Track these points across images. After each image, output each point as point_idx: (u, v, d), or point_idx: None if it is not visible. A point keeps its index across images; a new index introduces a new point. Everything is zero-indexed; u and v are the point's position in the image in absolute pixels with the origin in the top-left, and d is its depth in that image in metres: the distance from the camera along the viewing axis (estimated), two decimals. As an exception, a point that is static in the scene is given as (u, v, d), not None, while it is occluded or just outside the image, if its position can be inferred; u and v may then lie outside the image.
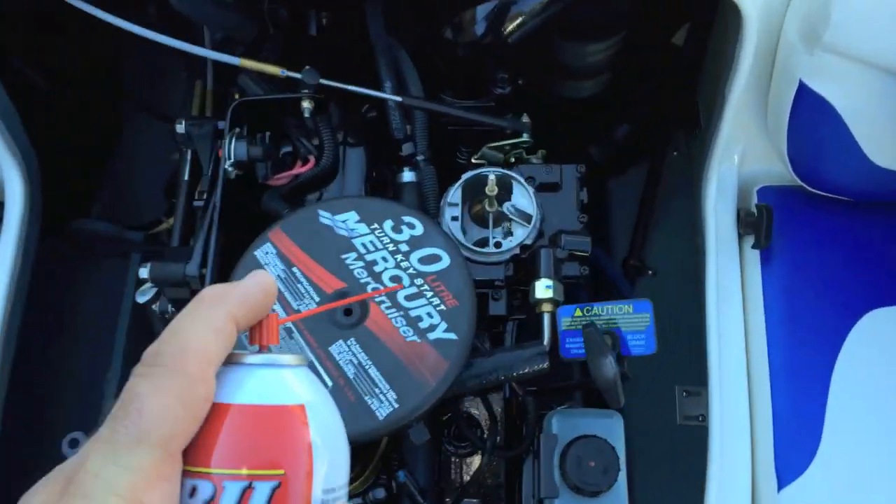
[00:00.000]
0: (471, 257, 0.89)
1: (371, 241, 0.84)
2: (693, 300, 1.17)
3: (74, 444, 0.87)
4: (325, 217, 0.86)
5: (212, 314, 0.35)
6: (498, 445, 0.98)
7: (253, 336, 0.38)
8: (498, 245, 0.90)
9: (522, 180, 0.91)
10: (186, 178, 1.00)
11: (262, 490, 0.34)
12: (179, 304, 0.93)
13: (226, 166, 0.90)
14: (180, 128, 0.98)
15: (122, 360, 1.31)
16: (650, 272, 1.48)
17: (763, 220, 1.05)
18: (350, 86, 0.93)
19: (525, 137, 0.99)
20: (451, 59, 1.02)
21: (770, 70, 0.94)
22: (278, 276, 0.84)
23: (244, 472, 0.34)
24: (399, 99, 0.95)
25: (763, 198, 1.11)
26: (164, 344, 0.34)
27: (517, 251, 0.89)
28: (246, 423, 0.35)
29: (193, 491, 0.34)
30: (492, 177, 0.86)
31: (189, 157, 1.01)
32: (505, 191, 0.93)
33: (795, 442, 1.01)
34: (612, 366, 0.73)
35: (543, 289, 0.87)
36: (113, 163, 1.52)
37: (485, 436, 0.98)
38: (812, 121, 0.94)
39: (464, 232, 0.93)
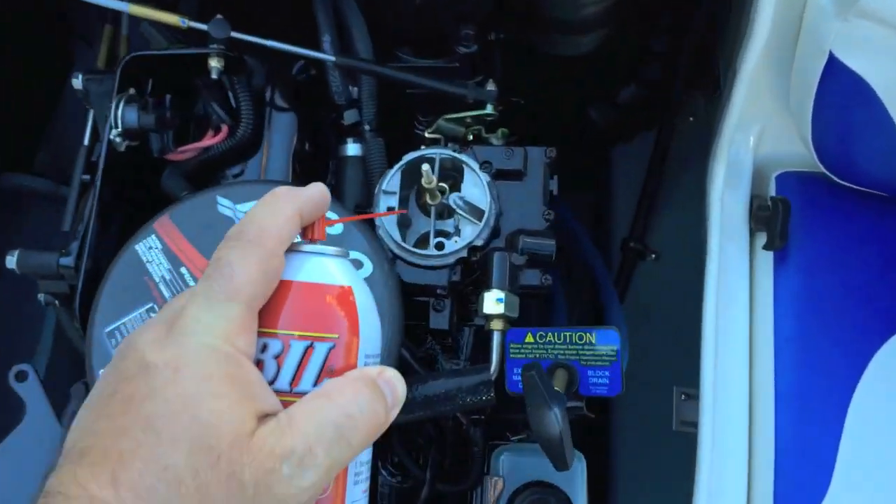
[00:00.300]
0: (407, 259, 0.73)
1: None
2: (700, 289, 1.00)
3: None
4: (224, 205, 0.70)
5: (285, 206, 0.43)
6: (446, 469, 0.84)
7: (306, 232, 0.45)
8: (440, 246, 0.73)
9: (476, 166, 0.74)
10: (86, 142, 0.84)
11: (320, 349, 0.42)
12: (60, 299, 0.78)
13: (111, 136, 0.73)
14: (76, 82, 0.81)
15: (52, 339, 1.18)
16: (652, 255, 1.30)
17: (778, 217, 0.87)
18: (271, 41, 0.75)
19: (489, 109, 0.81)
20: (407, 8, 0.83)
21: (795, 38, 0.75)
22: (163, 277, 0.68)
23: (307, 333, 0.42)
24: (332, 58, 0.77)
25: (782, 186, 0.93)
26: (246, 225, 0.42)
27: (464, 253, 0.73)
28: (307, 296, 0.43)
29: (264, 347, 0.42)
30: (426, 167, 0.69)
31: (92, 116, 0.85)
32: (459, 175, 0.76)
33: (800, 483, 0.85)
34: (556, 422, 0.57)
35: (493, 302, 0.70)
36: (61, 112, 1.36)
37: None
38: (842, 100, 0.76)
39: (408, 225, 0.76)
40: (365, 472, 0.46)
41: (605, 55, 1.13)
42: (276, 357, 0.42)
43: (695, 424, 1.18)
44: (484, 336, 0.75)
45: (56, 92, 1.34)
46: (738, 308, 0.91)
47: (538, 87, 1.13)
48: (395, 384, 0.43)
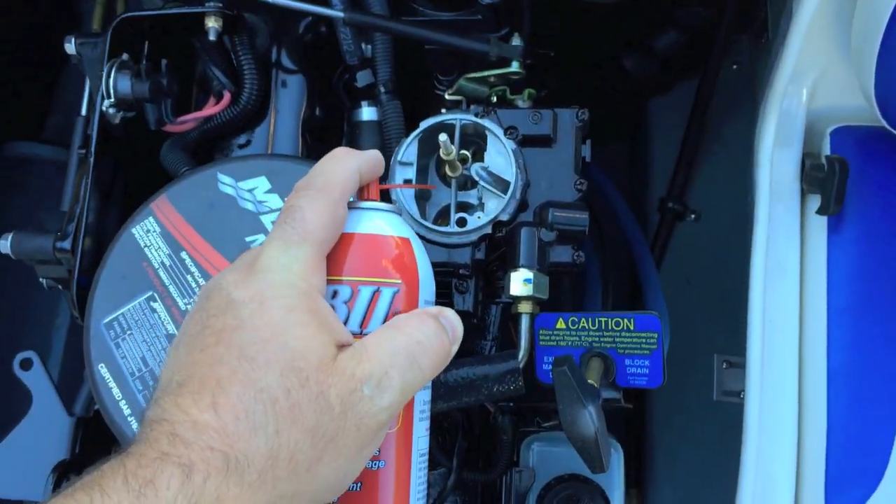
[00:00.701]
0: (426, 236, 0.67)
1: None
2: (744, 253, 0.93)
3: None
4: (225, 183, 0.64)
5: (348, 162, 0.47)
6: (470, 449, 0.79)
7: (361, 193, 0.49)
8: (462, 223, 0.67)
9: (500, 132, 0.67)
10: (83, 113, 0.78)
11: (386, 293, 0.46)
12: (62, 284, 0.73)
13: (104, 107, 0.68)
14: (69, 47, 0.76)
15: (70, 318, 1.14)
16: (692, 216, 1.22)
17: (834, 178, 0.79)
18: (272, -3, 0.69)
19: (515, 67, 0.74)
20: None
21: (860, -22, 0.67)
22: (162, 262, 0.63)
23: (373, 279, 0.46)
24: (340, 15, 0.70)
25: (838, 143, 0.85)
26: (313, 177, 0.46)
27: (489, 230, 0.66)
28: (370, 246, 0.47)
29: (335, 294, 0.46)
30: (443, 137, 0.62)
31: (88, 85, 0.79)
32: (483, 141, 0.70)
33: (853, 463, 0.79)
34: (591, 421, 0.51)
35: (521, 283, 0.64)
36: (71, 75, 1.31)
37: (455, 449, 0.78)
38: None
39: (427, 197, 0.70)
40: (427, 410, 0.50)
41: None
42: (346, 302, 0.46)
43: (737, 394, 1.12)
44: (512, 314, 0.70)
45: (65, 54, 1.29)
46: (787, 276, 0.84)
47: (566, 36, 1.05)
48: (454, 321, 0.47)
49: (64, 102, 1.29)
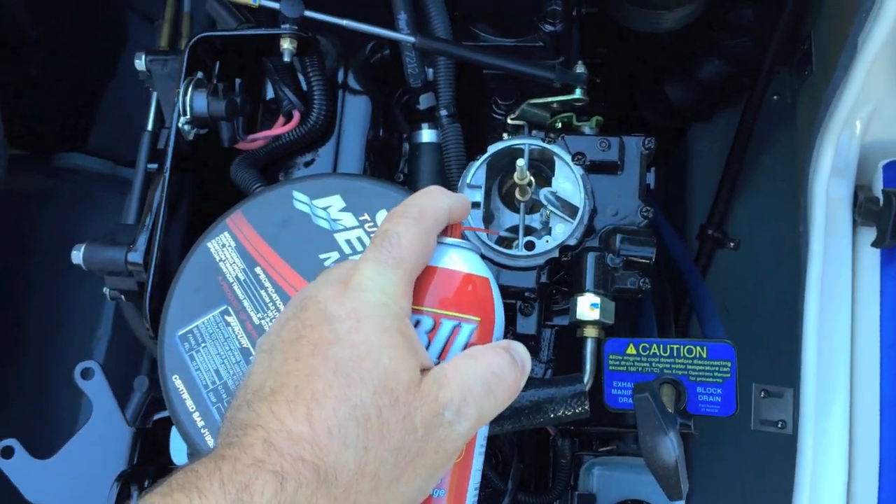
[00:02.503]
0: (494, 259, 0.67)
1: (359, 238, 0.64)
2: (783, 282, 0.94)
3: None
4: (300, 201, 0.65)
5: (442, 198, 0.50)
6: (522, 477, 0.79)
7: (445, 231, 0.50)
8: (530, 246, 0.67)
9: (568, 158, 0.68)
10: (150, 128, 0.80)
11: (465, 328, 0.48)
12: (127, 295, 0.74)
13: (179, 124, 0.69)
14: (139, 63, 0.77)
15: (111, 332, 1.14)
16: (732, 244, 1.23)
17: (891, 212, 0.79)
18: (345, 20, 0.70)
19: (578, 94, 0.75)
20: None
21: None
22: (237, 277, 0.64)
23: (455, 314, 0.48)
24: (412, 39, 0.71)
25: (891, 177, 0.85)
26: (408, 206, 0.49)
27: (555, 254, 0.67)
28: (455, 282, 0.49)
29: (417, 323, 0.47)
30: (521, 162, 0.63)
31: (155, 100, 0.81)
32: (548, 167, 0.70)
33: (906, 498, 0.79)
34: (672, 449, 0.51)
35: (588, 308, 0.64)
36: (115, 88, 1.32)
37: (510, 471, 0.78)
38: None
39: (491, 219, 0.71)
40: (485, 445, 0.51)
41: (688, 26, 1.06)
42: (428, 332, 0.47)
43: (775, 423, 1.12)
44: (568, 339, 0.70)
45: (110, 68, 1.30)
46: (840, 307, 0.84)
47: (611, 63, 1.06)
48: (523, 354, 0.49)
49: (108, 116, 1.31)
